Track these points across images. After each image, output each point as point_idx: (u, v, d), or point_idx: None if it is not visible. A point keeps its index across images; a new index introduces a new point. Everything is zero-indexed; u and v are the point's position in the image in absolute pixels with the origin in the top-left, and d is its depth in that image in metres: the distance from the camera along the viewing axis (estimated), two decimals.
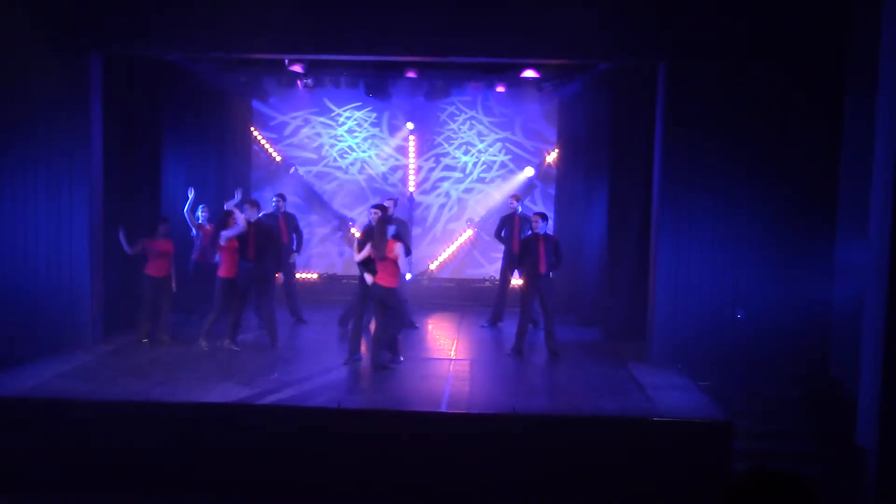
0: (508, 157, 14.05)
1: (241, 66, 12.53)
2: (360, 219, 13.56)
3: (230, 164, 13.46)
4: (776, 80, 8.98)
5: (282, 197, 11.60)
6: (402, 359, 9.26)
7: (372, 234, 8.99)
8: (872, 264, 7.12)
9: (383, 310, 8.97)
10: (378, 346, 8.97)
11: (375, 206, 9.31)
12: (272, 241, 10.10)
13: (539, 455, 7.22)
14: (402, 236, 9.46)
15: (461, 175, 14.15)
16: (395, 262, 8.83)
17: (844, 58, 8.87)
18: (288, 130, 14.16)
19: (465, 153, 14.10)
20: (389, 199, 10.92)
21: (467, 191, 14.15)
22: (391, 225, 9.06)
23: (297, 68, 11.78)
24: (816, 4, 8.83)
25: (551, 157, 13.84)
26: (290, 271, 11.64)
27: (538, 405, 7.83)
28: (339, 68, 12.74)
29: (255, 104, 14.05)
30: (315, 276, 14.07)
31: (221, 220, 9.94)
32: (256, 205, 10.13)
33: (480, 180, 14.12)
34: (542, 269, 9.68)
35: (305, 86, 13.34)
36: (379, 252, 8.81)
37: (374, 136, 14.12)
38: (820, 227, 9.10)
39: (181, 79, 11.56)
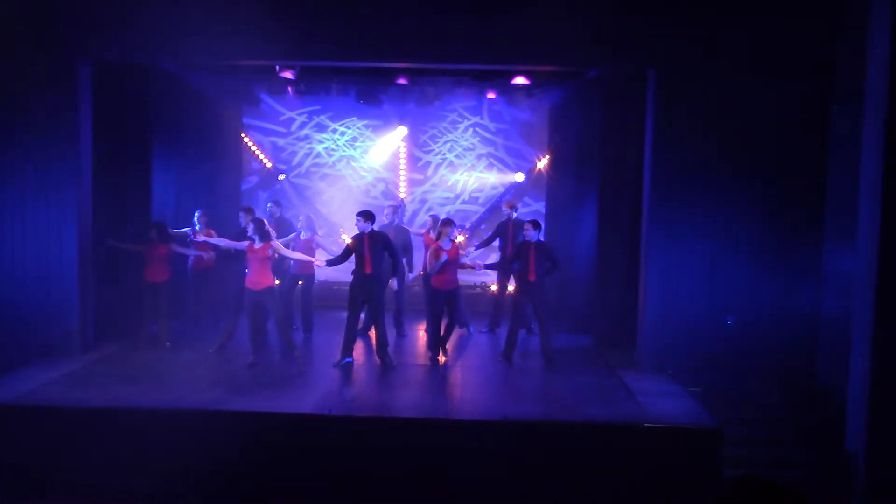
0: (498, 174, 13.99)
1: (232, 73, 12.51)
2: (348, 225, 13.54)
3: (221, 170, 13.43)
4: (764, 88, 9.03)
5: (276, 203, 11.57)
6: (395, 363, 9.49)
7: (360, 240, 9.35)
8: (861, 271, 7.17)
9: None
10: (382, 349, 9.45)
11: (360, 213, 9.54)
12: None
13: (529, 461, 7.22)
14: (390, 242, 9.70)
15: (452, 195, 14.07)
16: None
17: (832, 64, 8.93)
18: (294, 126, 14.06)
19: (458, 159, 14.03)
20: (390, 205, 11.44)
21: (459, 210, 14.10)
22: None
23: (288, 75, 11.79)
24: (804, 13, 8.88)
25: (542, 163, 13.87)
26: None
27: (528, 411, 7.83)
28: (330, 75, 12.75)
29: (264, 98, 13.92)
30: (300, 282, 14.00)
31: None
32: (250, 211, 10.41)
33: (473, 200, 14.03)
34: (532, 277, 9.69)
35: (297, 92, 13.33)
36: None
37: (372, 145, 14.05)
38: (808, 235, 9.15)
39: (171, 85, 11.53)
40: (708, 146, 9.20)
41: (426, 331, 11.17)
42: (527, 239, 9.84)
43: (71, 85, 9.39)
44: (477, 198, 14.07)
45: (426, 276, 10.63)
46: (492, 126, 14.01)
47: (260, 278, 9.18)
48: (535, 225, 9.94)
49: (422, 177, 14.14)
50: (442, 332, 9.80)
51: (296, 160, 14.12)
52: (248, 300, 9.31)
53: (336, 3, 9.27)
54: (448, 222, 9.68)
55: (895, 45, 6.76)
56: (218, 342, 9.98)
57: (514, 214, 11.47)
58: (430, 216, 11.51)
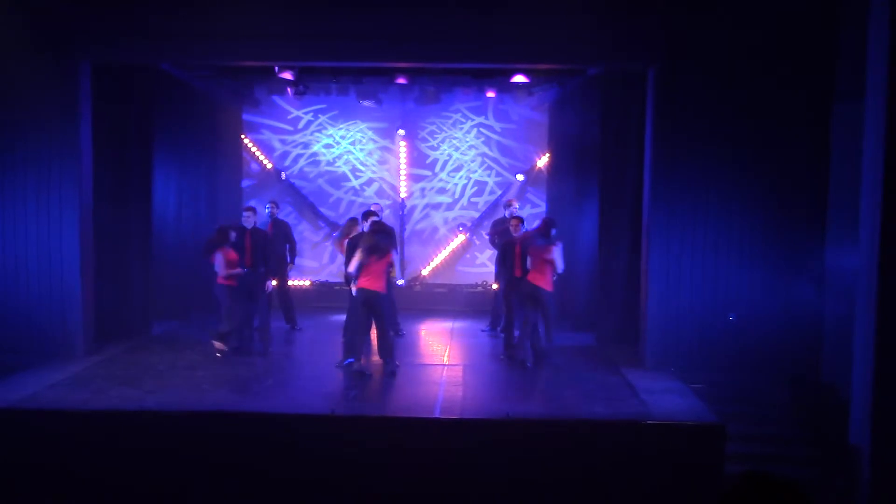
0: (496, 178, 13.97)
1: (232, 74, 12.52)
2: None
3: (221, 172, 13.44)
4: (765, 86, 9.03)
5: (275, 204, 11.61)
6: (398, 364, 9.35)
7: (362, 241, 9.22)
8: (863, 267, 7.16)
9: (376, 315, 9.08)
10: (386, 353, 9.15)
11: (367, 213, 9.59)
12: (266, 248, 10.28)
13: (532, 460, 7.21)
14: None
15: (451, 200, 14.05)
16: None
17: (833, 62, 8.92)
18: (301, 124, 14.04)
19: (462, 156, 14.01)
20: (375, 205, 11.22)
21: (457, 215, 14.06)
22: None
23: (288, 75, 11.78)
24: (804, 10, 8.88)
25: (542, 161, 13.86)
26: (283, 279, 11.60)
27: (531, 410, 7.83)
28: (329, 75, 12.75)
29: (269, 97, 13.89)
30: (307, 283, 14.04)
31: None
32: (255, 211, 10.41)
33: (472, 205, 14.00)
34: (518, 273, 9.71)
35: (296, 93, 13.33)
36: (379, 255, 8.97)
37: (373, 146, 14.04)
38: (810, 232, 9.15)
39: (172, 86, 11.55)
40: (709, 144, 9.20)
41: (501, 330, 10.70)
42: (514, 235, 9.90)
43: (72, 85, 9.40)
44: (476, 202, 14.03)
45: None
46: (497, 126, 13.97)
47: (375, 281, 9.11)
48: (521, 221, 10.00)
49: (429, 173, 14.10)
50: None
51: (289, 160, 14.08)
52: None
53: (334, 3, 9.28)
54: (552, 222, 9.59)
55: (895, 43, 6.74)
56: (266, 344, 10.14)
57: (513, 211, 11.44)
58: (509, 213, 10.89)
